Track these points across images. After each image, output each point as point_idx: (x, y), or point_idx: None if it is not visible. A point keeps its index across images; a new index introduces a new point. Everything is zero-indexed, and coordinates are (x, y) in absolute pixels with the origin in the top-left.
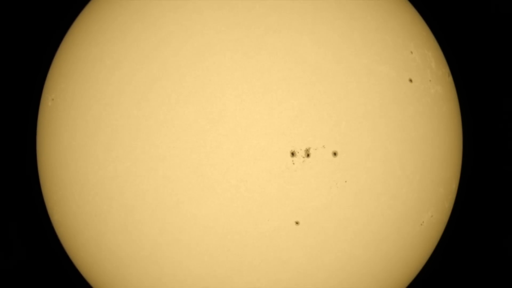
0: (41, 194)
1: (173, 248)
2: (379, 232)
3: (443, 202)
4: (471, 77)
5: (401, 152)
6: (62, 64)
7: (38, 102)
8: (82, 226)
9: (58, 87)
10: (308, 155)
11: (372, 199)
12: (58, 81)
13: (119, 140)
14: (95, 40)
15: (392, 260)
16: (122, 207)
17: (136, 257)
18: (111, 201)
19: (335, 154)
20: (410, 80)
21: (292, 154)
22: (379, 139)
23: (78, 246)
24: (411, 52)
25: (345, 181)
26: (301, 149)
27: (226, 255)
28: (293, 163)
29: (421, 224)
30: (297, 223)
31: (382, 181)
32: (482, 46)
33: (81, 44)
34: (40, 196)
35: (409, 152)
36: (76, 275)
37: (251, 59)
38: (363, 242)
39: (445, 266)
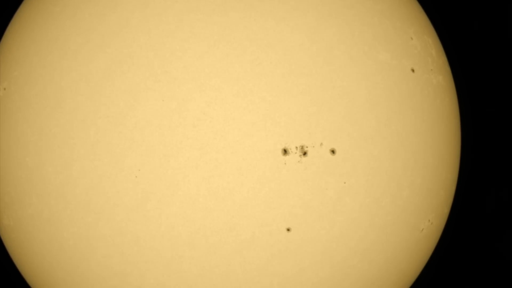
0: None
1: (144, 260)
2: (378, 240)
3: (442, 206)
4: (468, 69)
5: (403, 150)
6: (14, 48)
7: None
8: (39, 232)
9: (10, 74)
10: (304, 154)
11: (372, 203)
12: (11, 68)
13: (85, 135)
14: (54, 21)
15: (391, 271)
16: (89, 212)
17: (101, 271)
18: (76, 205)
19: (333, 152)
20: (412, 70)
21: (285, 151)
22: (380, 136)
23: (32, 254)
24: (411, 38)
25: (344, 183)
26: (296, 147)
27: (209, 265)
28: (285, 163)
29: (421, 231)
30: (288, 229)
31: (382, 182)
32: (478, 36)
33: (36, 25)
34: None
35: (411, 151)
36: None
37: (235, 43)
38: (361, 252)
39: (441, 274)
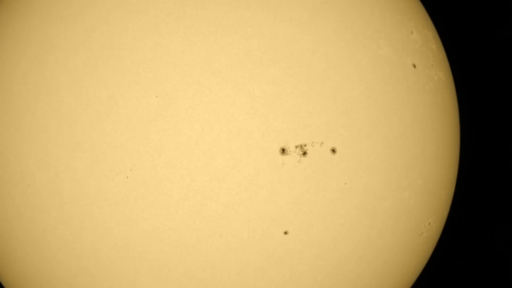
0: None
1: (135, 264)
2: (377, 244)
3: (443, 208)
4: (466, 65)
5: (405, 149)
6: None
7: None
8: (20, 234)
9: None
10: (304, 153)
11: (373, 205)
12: None
13: (72, 132)
14: (36, 11)
15: (389, 274)
16: (76, 214)
17: (85, 277)
18: (62, 206)
19: (333, 151)
20: (414, 66)
21: (283, 151)
22: (382, 134)
23: (12, 257)
24: (412, 32)
25: (345, 183)
26: (295, 146)
27: (204, 269)
28: (283, 163)
29: (421, 234)
30: (286, 233)
31: (383, 183)
32: (477, 33)
33: (16, 16)
34: None
35: (413, 151)
36: None
37: (232, 40)
38: (360, 255)
39: (440, 276)
